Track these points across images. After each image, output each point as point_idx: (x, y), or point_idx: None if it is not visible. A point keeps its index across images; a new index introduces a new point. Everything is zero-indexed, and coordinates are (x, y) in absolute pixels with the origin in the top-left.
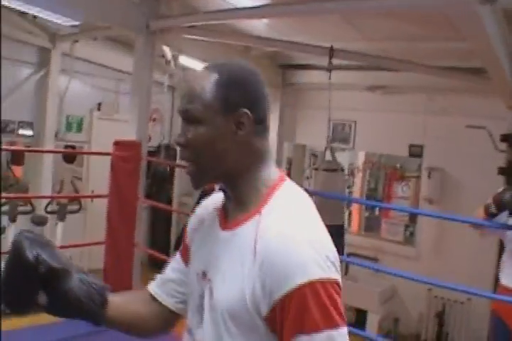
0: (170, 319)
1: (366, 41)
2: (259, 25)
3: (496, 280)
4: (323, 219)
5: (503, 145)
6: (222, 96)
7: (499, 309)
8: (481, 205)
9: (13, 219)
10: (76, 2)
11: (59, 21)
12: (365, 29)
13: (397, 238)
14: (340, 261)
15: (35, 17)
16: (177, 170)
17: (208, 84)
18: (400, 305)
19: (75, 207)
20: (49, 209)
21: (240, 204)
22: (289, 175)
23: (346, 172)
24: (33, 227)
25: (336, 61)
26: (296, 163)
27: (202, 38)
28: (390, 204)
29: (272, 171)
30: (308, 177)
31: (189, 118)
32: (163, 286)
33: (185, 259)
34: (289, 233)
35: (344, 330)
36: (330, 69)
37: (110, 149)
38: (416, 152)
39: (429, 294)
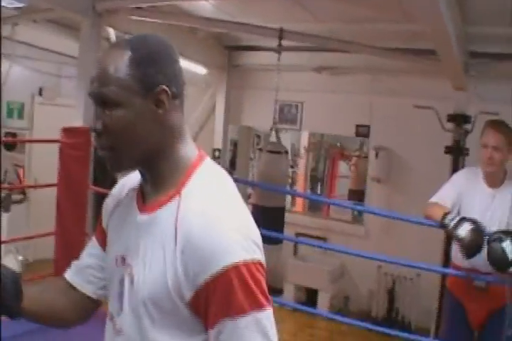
0: (89, 307)
1: (315, 22)
2: (206, 6)
3: (446, 257)
4: (265, 202)
5: (450, 125)
6: (139, 75)
7: (451, 285)
8: (435, 205)
9: None
10: None
11: (3, 4)
12: (315, 10)
13: (345, 217)
14: (284, 241)
15: None
16: None
17: (121, 63)
18: (350, 283)
19: (19, 196)
20: None
21: (158, 185)
22: (232, 160)
23: (290, 153)
24: None
25: (284, 42)
26: (241, 144)
27: (148, 19)
28: (333, 197)
29: (190, 149)
30: (251, 159)
31: (104, 101)
32: (80, 273)
33: (102, 243)
34: (210, 215)
35: (270, 311)
36: (279, 51)
37: (53, 135)
38: (363, 132)
39: (379, 271)
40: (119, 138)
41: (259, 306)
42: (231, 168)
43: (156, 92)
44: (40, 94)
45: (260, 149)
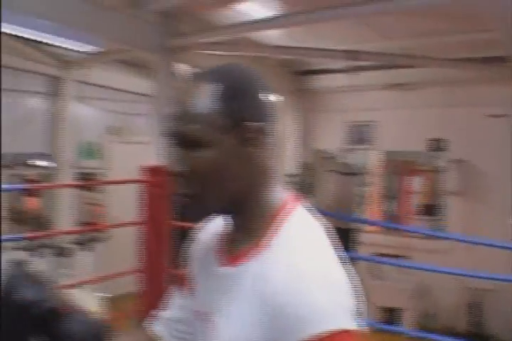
0: None
1: (382, 40)
2: (273, 34)
3: None
4: (333, 223)
5: None
6: (226, 110)
7: None
8: None
9: (39, 254)
10: (95, 28)
11: (76, 48)
12: (381, 28)
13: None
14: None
15: (41, 45)
16: None
17: (205, 97)
18: (432, 299)
19: (103, 235)
20: (76, 239)
21: (245, 233)
22: (308, 185)
23: (362, 172)
24: (59, 259)
25: (353, 62)
26: (316, 168)
27: (218, 53)
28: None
29: (281, 192)
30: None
31: (188, 141)
32: (167, 326)
33: (188, 293)
34: (299, 272)
35: None
36: (351, 72)
37: (129, 173)
38: (436, 145)
39: (461, 285)
40: (206, 183)
41: None
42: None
43: (243, 129)
44: (114, 133)
45: (331, 171)
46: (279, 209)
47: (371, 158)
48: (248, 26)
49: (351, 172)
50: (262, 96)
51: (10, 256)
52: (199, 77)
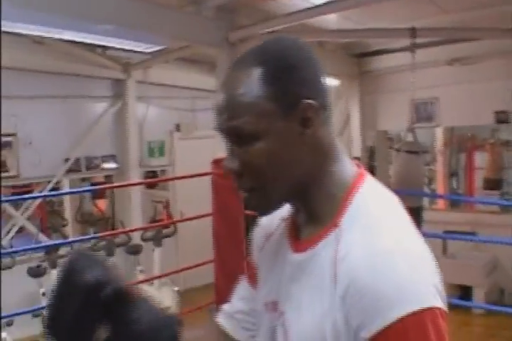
0: None
1: (443, 14)
2: (331, 18)
3: None
4: (403, 202)
5: None
6: (276, 93)
7: None
8: None
9: (110, 254)
10: (156, 28)
11: (138, 49)
12: (442, 2)
13: (491, 208)
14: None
15: (104, 50)
16: None
17: (252, 84)
18: (504, 275)
19: (170, 230)
20: (145, 236)
21: (313, 216)
22: (370, 167)
23: (429, 150)
24: (129, 257)
25: (413, 40)
26: (379, 150)
27: None
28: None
29: (347, 169)
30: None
31: (239, 136)
32: (232, 318)
33: (253, 283)
34: (379, 250)
35: None
36: (413, 50)
37: (194, 167)
38: (503, 118)
39: None
40: (265, 176)
41: None
42: (370, 173)
43: (301, 109)
44: (178, 130)
45: (397, 150)
46: (349, 186)
47: (437, 135)
48: (306, 13)
49: (419, 151)
50: (312, 69)
51: None
52: (243, 60)
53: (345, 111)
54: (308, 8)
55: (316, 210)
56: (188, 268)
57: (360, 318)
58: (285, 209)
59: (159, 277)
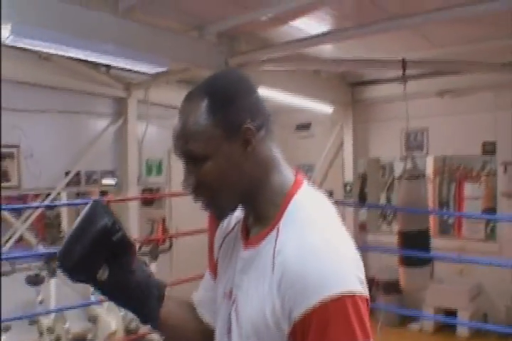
0: (209, 338)
1: (433, 48)
2: (327, 48)
3: None
4: (412, 225)
5: None
6: (221, 121)
7: None
8: None
9: None
10: (161, 50)
11: (141, 69)
12: (432, 36)
13: (478, 236)
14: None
15: (108, 69)
16: None
17: (200, 114)
18: (488, 300)
19: (165, 246)
20: (142, 250)
21: (259, 219)
22: (362, 193)
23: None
24: None
25: (406, 71)
26: (371, 176)
27: (275, 69)
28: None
29: (286, 177)
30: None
31: (192, 157)
32: (200, 305)
33: (214, 276)
34: (308, 244)
35: None
36: (404, 81)
37: None
38: (489, 149)
39: None
40: (216, 190)
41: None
42: (361, 199)
43: (242, 132)
44: None
45: (399, 178)
46: (287, 192)
47: (427, 164)
48: (302, 42)
49: (420, 175)
50: (250, 97)
51: None
52: (193, 93)
53: (338, 137)
54: (305, 38)
55: (260, 214)
56: (183, 282)
57: (291, 302)
58: (240, 213)
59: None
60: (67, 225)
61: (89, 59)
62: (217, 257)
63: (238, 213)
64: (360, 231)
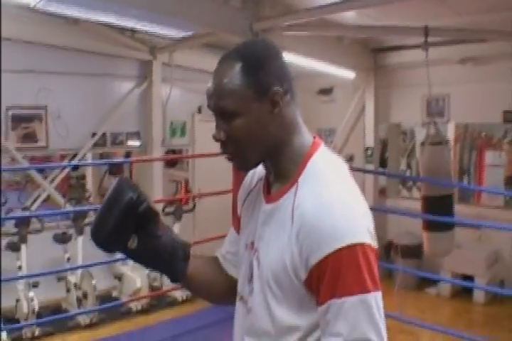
0: (234, 289)
1: (456, 16)
2: (351, 14)
3: None
4: (436, 190)
5: None
6: (252, 82)
7: None
8: None
9: None
10: (187, 14)
11: (167, 33)
12: (454, 4)
13: (497, 203)
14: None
15: (133, 33)
16: None
17: (234, 74)
18: (505, 267)
19: (189, 207)
20: (166, 210)
21: (280, 175)
22: (383, 158)
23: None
24: None
25: (428, 38)
26: (391, 141)
27: (300, 33)
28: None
29: (306, 139)
30: (402, 155)
31: (224, 113)
32: (225, 258)
33: (238, 230)
34: (324, 200)
35: (377, 294)
36: (426, 48)
37: (212, 148)
38: (510, 118)
39: None
40: (243, 144)
41: (366, 288)
42: (382, 164)
43: (270, 95)
44: (199, 112)
45: (422, 144)
46: (306, 153)
47: (448, 131)
48: (326, 8)
49: (443, 141)
50: (278, 63)
51: None
52: (228, 56)
53: (359, 102)
54: (329, 5)
55: (281, 172)
56: (206, 241)
57: (308, 250)
58: (262, 172)
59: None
60: (92, 186)
61: (116, 23)
62: (240, 212)
63: (260, 172)
64: (379, 195)
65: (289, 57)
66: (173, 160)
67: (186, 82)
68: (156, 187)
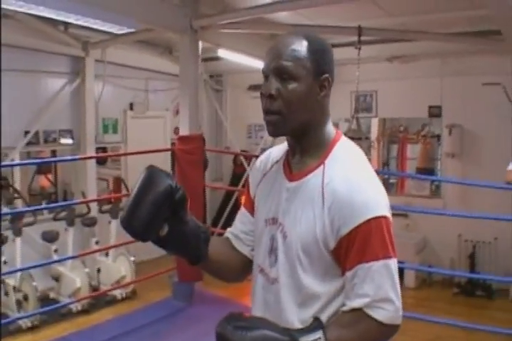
0: (246, 267)
1: (387, 17)
2: (286, 13)
3: None
4: None
5: None
6: (315, 61)
7: None
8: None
9: (71, 223)
10: (126, 10)
11: (101, 29)
12: (386, 6)
13: (424, 193)
14: None
15: (66, 28)
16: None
17: (301, 47)
18: (433, 253)
19: (123, 204)
20: (103, 209)
21: (306, 156)
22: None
23: (369, 138)
24: (85, 229)
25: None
26: None
27: (236, 31)
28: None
29: (331, 128)
30: None
31: (284, 73)
32: (237, 237)
33: (251, 210)
34: (353, 178)
35: (395, 260)
36: (359, 47)
37: (145, 145)
38: (435, 112)
39: (459, 239)
40: (288, 106)
41: (389, 254)
42: None
43: (323, 79)
44: (131, 108)
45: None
46: (332, 139)
47: (373, 125)
48: (263, 8)
49: (362, 137)
50: (331, 56)
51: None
52: (294, 34)
53: None
54: (266, 4)
55: (308, 152)
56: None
57: (340, 222)
58: (276, 157)
59: (116, 246)
60: (22, 186)
61: (48, 16)
62: (255, 193)
63: (275, 157)
64: None
65: (223, 53)
66: (104, 158)
67: (118, 78)
68: (89, 186)
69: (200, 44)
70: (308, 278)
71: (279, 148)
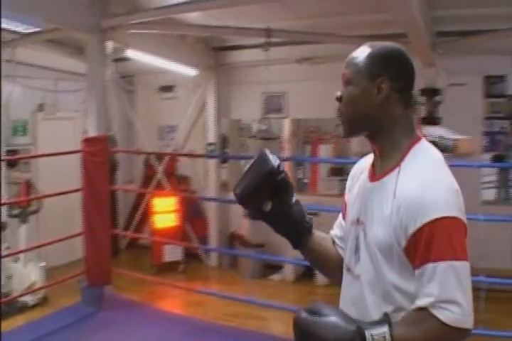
0: (340, 269)
1: (296, 20)
2: (195, 14)
3: None
4: None
5: (423, 99)
6: (370, 65)
7: None
8: None
9: None
10: (33, 9)
11: (8, 27)
12: (295, 9)
13: (332, 192)
14: None
15: None
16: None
17: (362, 55)
18: None
19: (33, 208)
20: (12, 213)
21: (385, 159)
22: (224, 153)
23: (279, 138)
24: None
25: (267, 39)
26: (232, 137)
27: (144, 31)
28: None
29: (408, 133)
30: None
31: (344, 79)
32: (335, 239)
33: (345, 216)
34: (423, 180)
35: (466, 264)
36: (267, 49)
37: (56, 147)
38: None
39: None
40: (346, 107)
41: (456, 256)
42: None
43: (378, 81)
44: (41, 110)
45: (253, 137)
46: (409, 143)
47: (284, 126)
48: (172, 8)
49: (272, 138)
50: (400, 63)
51: None
52: (367, 45)
53: (200, 99)
54: (175, 5)
55: (385, 155)
56: (53, 242)
57: (409, 220)
58: (368, 163)
59: (25, 251)
60: None
61: None
62: (348, 198)
63: (366, 164)
64: (222, 188)
65: (132, 54)
66: (14, 160)
67: (28, 78)
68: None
69: (111, 44)
70: (386, 274)
71: (371, 155)
